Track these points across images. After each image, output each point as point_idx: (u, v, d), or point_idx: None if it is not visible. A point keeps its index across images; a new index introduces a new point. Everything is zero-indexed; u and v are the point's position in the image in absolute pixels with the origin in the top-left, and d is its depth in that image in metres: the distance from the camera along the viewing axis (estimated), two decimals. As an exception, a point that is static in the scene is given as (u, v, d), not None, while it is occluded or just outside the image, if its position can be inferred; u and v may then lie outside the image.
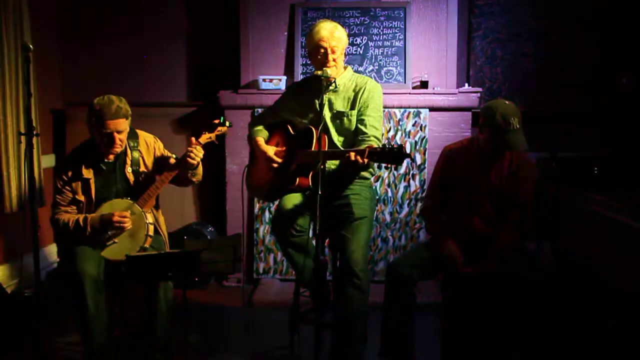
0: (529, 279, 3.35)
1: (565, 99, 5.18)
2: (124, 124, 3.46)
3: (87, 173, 3.54)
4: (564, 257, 4.42)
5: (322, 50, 3.49)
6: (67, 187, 3.54)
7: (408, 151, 2.98)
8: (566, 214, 4.44)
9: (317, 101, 3.49)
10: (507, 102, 3.42)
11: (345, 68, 3.62)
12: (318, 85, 3.45)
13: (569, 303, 4.04)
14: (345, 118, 3.52)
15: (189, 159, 3.50)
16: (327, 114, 3.53)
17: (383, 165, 3.07)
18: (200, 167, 3.65)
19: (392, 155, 2.98)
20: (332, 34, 3.47)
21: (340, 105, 3.55)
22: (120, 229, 3.48)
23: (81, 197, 3.54)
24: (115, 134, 3.43)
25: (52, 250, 5.41)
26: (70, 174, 3.54)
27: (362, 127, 3.47)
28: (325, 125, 3.51)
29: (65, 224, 3.50)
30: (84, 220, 3.47)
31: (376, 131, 3.47)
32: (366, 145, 3.18)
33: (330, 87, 3.54)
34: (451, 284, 3.54)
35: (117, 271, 3.44)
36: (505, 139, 3.34)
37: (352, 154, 3.09)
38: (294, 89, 3.78)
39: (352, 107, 3.53)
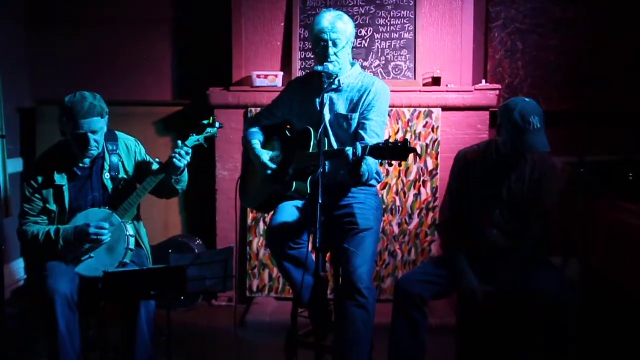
0: (554, 299, 3.32)
1: (594, 96, 5.16)
2: (99, 124, 3.44)
3: (60, 179, 3.53)
4: (594, 275, 4.40)
5: (322, 44, 3.47)
6: (37, 195, 3.52)
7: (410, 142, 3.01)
8: (596, 225, 4.42)
9: (318, 100, 3.48)
10: (527, 99, 3.41)
11: (352, 65, 3.61)
12: (319, 82, 3.43)
13: (600, 326, 4.01)
14: (345, 122, 3.50)
15: (175, 159, 3.47)
16: (327, 115, 3.52)
17: (387, 165, 3.06)
18: (186, 174, 3.64)
19: (396, 150, 2.97)
20: (334, 26, 3.45)
21: (342, 107, 3.53)
22: (97, 242, 3.45)
23: (53, 207, 3.53)
24: (90, 134, 3.41)
25: (19, 266, 5.39)
26: (40, 180, 3.52)
27: (362, 132, 3.45)
28: (324, 127, 3.49)
29: (34, 236, 3.48)
30: (55, 232, 3.45)
31: (377, 139, 3.42)
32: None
33: (333, 86, 3.53)
34: (466, 304, 3.52)
35: (93, 289, 3.41)
36: (523, 140, 3.32)
37: (351, 154, 3.08)
38: (294, 86, 3.77)
39: (355, 110, 3.51)
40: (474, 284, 3.44)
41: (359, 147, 3.07)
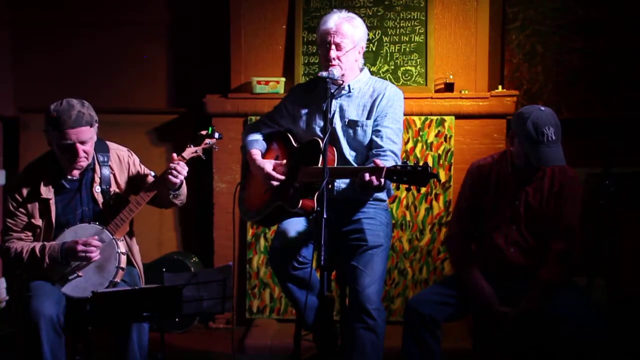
0: (578, 325, 3.32)
1: (621, 103, 5.12)
2: (87, 133, 3.43)
3: (47, 192, 3.52)
4: (622, 295, 4.37)
5: (326, 45, 3.50)
6: (21, 210, 3.52)
7: (431, 167, 2.99)
8: (624, 241, 4.40)
9: (325, 107, 3.48)
10: (542, 108, 3.40)
11: (361, 70, 3.63)
12: (325, 88, 3.45)
13: (630, 351, 3.99)
14: (359, 128, 3.53)
15: (170, 177, 3.47)
16: (338, 123, 3.55)
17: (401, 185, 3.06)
18: (185, 188, 3.64)
19: (415, 175, 2.97)
20: (339, 27, 3.47)
21: (354, 113, 3.55)
22: (85, 260, 3.44)
23: (38, 222, 3.52)
24: (78, 145, 3.40)
25: (0, 286, 5.37)
26: (25, 193, 3.52)
27: (378, 140, 3.47)
28: (335, 136, 3.51)
29: (17, 253, 3.46)
30: (41, 249, 3.44)
31: (394, 145, 3.47)
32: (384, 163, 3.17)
33: (344, 92, 3.55)
34: (483, 326, 3.52)
35: (80, 311, 3.40)
36: (536, 152, 3.32)
37: (367, 174, 3.08)
38: (297, 92, 3.79)
39: (368, 117, 3.54)
40: (485, 289, 3.44)
41: (375, 169, 3.07)
